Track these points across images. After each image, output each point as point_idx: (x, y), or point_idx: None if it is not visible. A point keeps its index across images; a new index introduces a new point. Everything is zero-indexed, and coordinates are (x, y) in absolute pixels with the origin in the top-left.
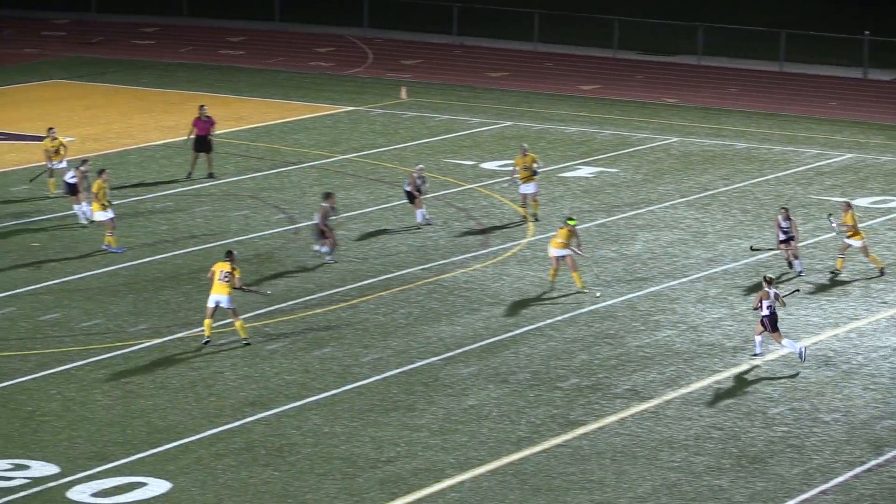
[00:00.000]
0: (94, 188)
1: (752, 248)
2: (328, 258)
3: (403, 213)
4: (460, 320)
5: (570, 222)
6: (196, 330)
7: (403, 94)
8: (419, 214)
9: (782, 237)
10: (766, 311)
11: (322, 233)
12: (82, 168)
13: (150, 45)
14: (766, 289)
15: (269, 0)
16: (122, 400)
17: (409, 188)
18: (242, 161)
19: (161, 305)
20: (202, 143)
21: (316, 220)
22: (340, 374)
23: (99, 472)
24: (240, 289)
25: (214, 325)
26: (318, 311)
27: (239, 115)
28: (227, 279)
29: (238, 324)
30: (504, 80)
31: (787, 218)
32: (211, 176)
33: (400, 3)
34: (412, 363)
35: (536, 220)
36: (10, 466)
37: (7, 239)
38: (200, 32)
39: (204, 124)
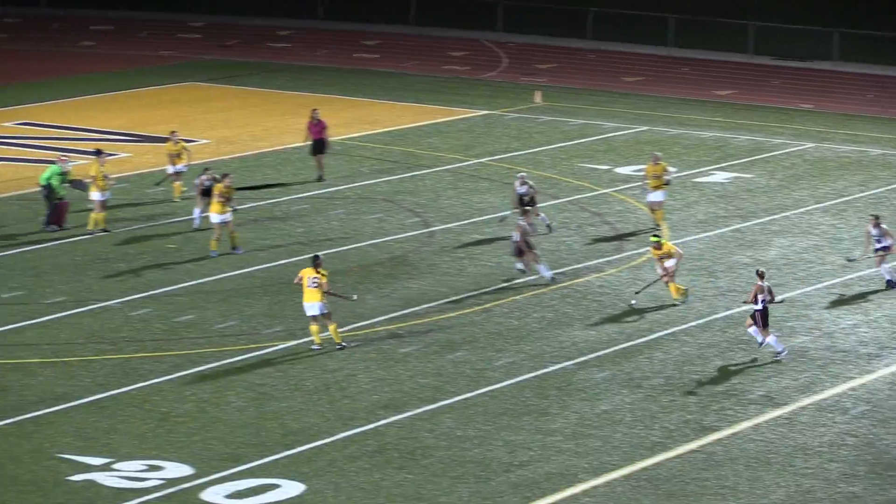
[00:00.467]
0: (216, 190)
1: (848, 260)
2: (546, 274)
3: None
4: (594, 325)
5: (653, 239)
6: (329, 333)
7: (538, 98)
8: (542, 219)
9: (877, 246)
10: (759, 306)
11: (520, 251)
12: (204, 177)
13: (285, 48)
14: (760, 283)
15: (405, 4)
16: (255, 401)
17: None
18: (377, 164)
19: (295, 308)
20: (317, 146)
21: (515, 238)
22: (474, 377)
23: (233, 473)
24: (328, 293)
25: (342, 329)
26: (452, 314)
27: (373, 119)
28: (315, 285)
29: (332, 327)
30: (639, 84)
31: (878, 226)
32: (320, 179)
33: (535, 7)
34: (545, 367)
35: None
36: (144, 467)
37: (143, 241)
38: (336, 36)
39: (317, 128)
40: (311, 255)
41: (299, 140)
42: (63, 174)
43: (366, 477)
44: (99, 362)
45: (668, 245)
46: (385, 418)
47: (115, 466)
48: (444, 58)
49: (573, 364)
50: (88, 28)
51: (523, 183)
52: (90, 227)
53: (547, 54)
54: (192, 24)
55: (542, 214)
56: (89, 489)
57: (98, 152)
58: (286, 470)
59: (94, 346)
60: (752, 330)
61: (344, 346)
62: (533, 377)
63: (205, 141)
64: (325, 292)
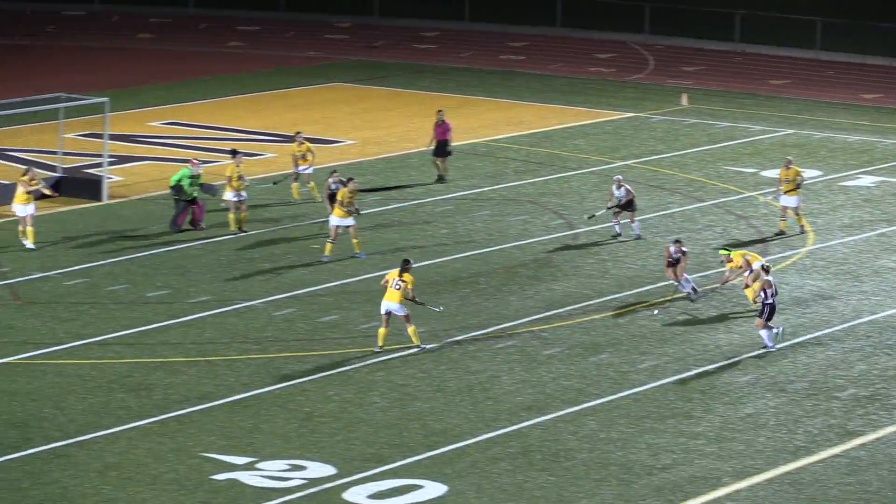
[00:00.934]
0: (339, 196)
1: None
2: (686, 288)
3: (683, 221)
4: (738, 328)
5: (722, 252)
6: (474, 333)
7: (684, 100)
8: (636, 227)
9: None
10: (770, 300)
11: (670, 263)
12: (330, 180)
13: (430, 49)
14: (766, 277)
15: (551, 6)
16: (399, 402)
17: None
18: (522, 165)
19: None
20: (440, 148)
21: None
22: (617, 380)
23: (375, 473)
24: (412, 300)
25: (486, 331)
26: (596, 316)
27: (519, 120)
28: (398, 288)
29: (411, 330)
30: (785, 87)
31: None
32: (441, 179)
33: (682, 9)
34: (689, 370)
35: (782, 234)
36: (287, 467)
37: (288, 241)
38: (481, 37)
39: (441, 129)
40: (403, 259)
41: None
42: (193, 177)
43: (508, 479)
44: (243, 362)
45: (738, 257)
46: (528, 420)
47: (258, 466)
48: (590, 60)
49: (716, 367)
50: (235, 28)
51: (620, 185)
52: (232, 227)
53: (693, 57)
54: (338, 25)
55: (637, 222)
56: (232, 488)
57: (234, 152)
58: (428, 471)
59: (239, 345)
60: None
61: (424, 349)
62: (676, 380)
63: (350, 141)
64: (409, 298)
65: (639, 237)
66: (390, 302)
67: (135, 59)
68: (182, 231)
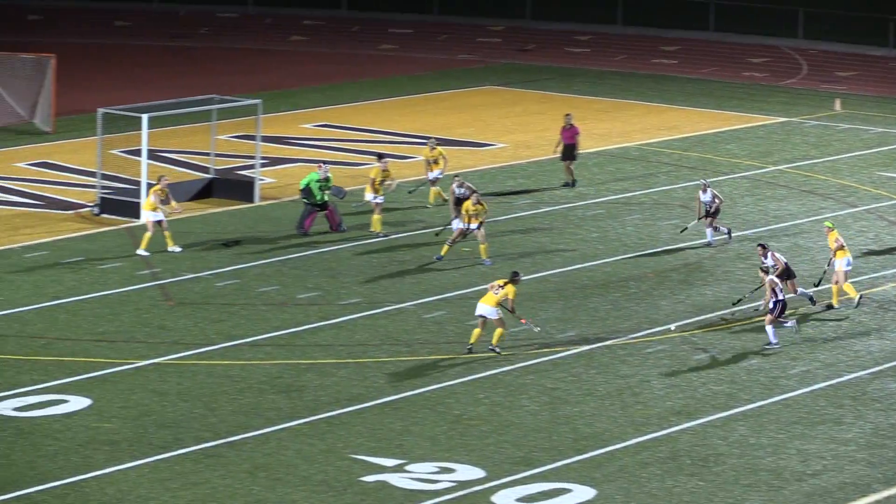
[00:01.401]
0: (464, 208)
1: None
2: (807, 292)
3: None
4: (890, 334)
5: (826, 224)
6: (625, 338)
7: (838, 105)
8: (708, 233)
9: None
10: (781, 296)
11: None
12: (454, 185)
13: (583, 53)
14: (771, 277)
15: (704, 10)
16: (548, 406)
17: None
18: (674, 170)
19: (589, 313)
20: (567, 152)
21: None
22: (767, 385)
23: (524, 477)
24: (511, 311)
25: (638, 335)
26: (746, 321)
27: (672, 124)
28: (497, 292)
29: (498, 331)
30: None
31: None
32: (566, 185)
33: (836, 14)
34: (840, 376)
35: None
36: (436, 469)
37: (439, 244)
38: (634, 41)
39: (569, 133)
40: (512, 272)
41: (596, 145)
42: (321, 181)
43: (657, 483)
44: (393, 364)
45: (834, 235)
46: (677, 425)
47: (407, 468)
48: (743, 64)
49: (868, 374)
50: (388, 31)
51: (704, 189)
52: (377, 228)
53: (847, 62)
54: (491, 28)
55: (723, 227)
56: (381, 490)
57: (380, 156)
58: (577, 475)
59: (389, 347)
60: (770, 328)
61: (497, 353)
62: (827, 386)
63: (501, 145)
64: (509, 309)
65: (710, 244)
66: (485, 305)
67: (288, 62)
68: (307, 235)
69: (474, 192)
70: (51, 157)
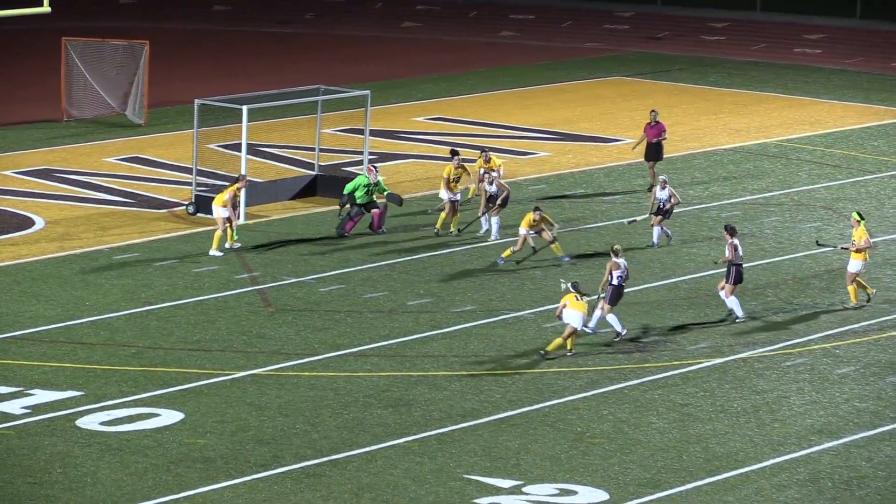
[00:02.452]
0: (524, 222)
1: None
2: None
3: None
4: None
5: (854, 215)
6: (761, 350)
7: None
8: (655, 233)
9: None
10: (615, 282)
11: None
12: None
13: (719, 41)
14: (615, 259)
15: None
16: (678, 423)
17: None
18: (816, 168)
19: (723, 322)
20: (652, 151)
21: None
22: None
23: (651, 500)
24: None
25: (767, 348)
26: (894, 333)
27: (814, 119)
28: (579, 300)
29: (560, 341)
30: None
31: None
32: (651, 189)
33: None
34: None
35: None
36: (555, 491)
37: (562, 246)
38: (774, 28)
39: (654, 130)
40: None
41: (731, 141)
42: (370, 185)
43: None
44: (510, 377)
45: (862, 231)
46: (818, 444)
47: (524, 490)
48: (892, 54)
49: None
50: (508, 17)
51: (663, 185)
52: (443, 227)
53: None
54: (619, 15)
55: (661, 227)
56: None
57: (453, 153)
58: (709, 498)
59: (506, 359)
60: (611, 317)
61: (573, 353)
62: None
63: (629, 140)
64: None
65: (653, 245)
66: (574, 310)
67: (399, 50)
68: (344, 237)
69: (538, 209)
70: (143, 152)
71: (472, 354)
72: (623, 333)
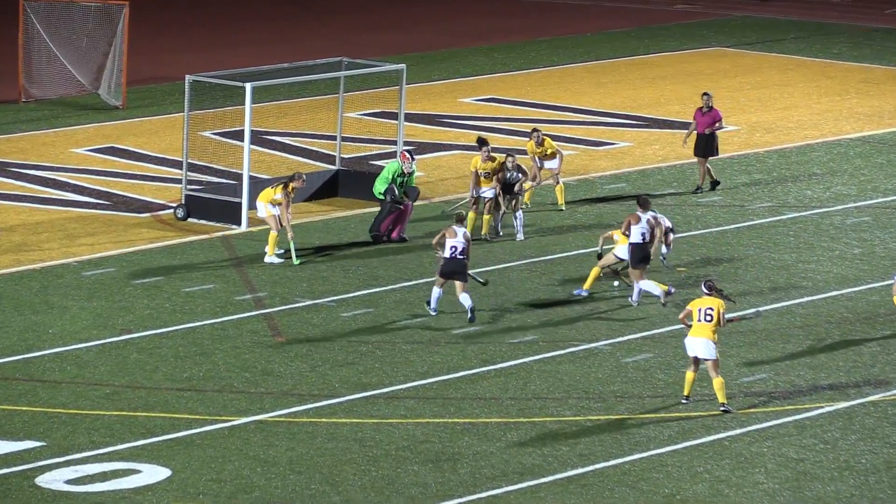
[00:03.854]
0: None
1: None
2: None
3: None
4: None
5: None
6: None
7: None
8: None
9: None
10: (637, 238)
11: None
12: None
13: (844, 4)
14: (640, 212)
15: None
16: (792, 484)
17: None
18: None
19: (849, 357)
20: (703, 144)
21: None
22: None
23: None
24: (729, 322)
25: (886, 395)
26: None
27: None
28: (709, 318)
29: (717, 382)
30: None
31: None
32: (698, 189)
33: None
34: None
35: None
36: None
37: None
38: None
39: (706, 118)
40: (705, 278)
41: (860, 128)
42: (403, 176)
43: None
44: (580, 424)
45: None
46: None
47: None
48: None
49: None
50: None
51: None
52: (485, 231)
53: None
54: None
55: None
56: None
57: (481, 142)
58: None
59: (575, 402)
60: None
61: (729, 410)
62: None
63: (732, 128)
64: (723, 325)
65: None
66: (699, 338)
67: (442, 13)
68: (384, 241)
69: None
70: (120, 141)
71: (532, 396)
72: (670, 293)
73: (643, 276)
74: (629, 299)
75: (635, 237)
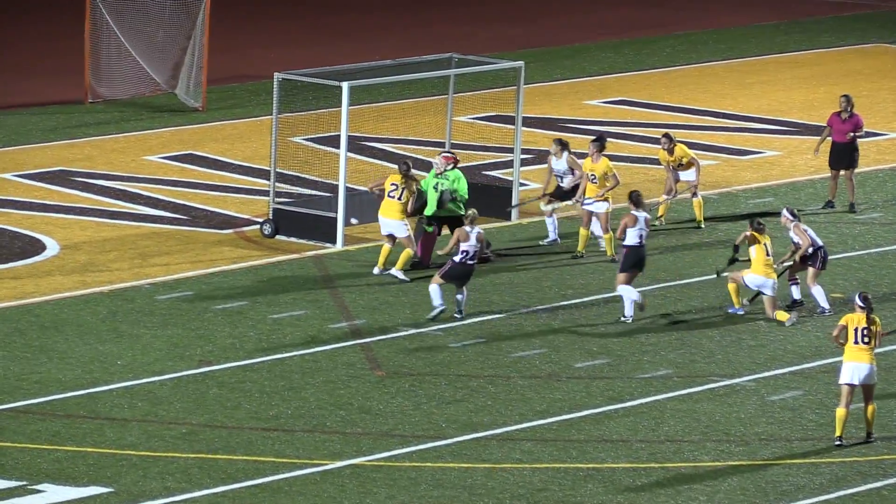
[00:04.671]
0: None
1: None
2: None
3: None
4: None
5: None
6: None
7: None
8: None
9: None
10: (635, 240)
11: None
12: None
13: None
14: (635, 211)
15: None
16: None
17: None
18: None
19: None
20: (839, 154)
21: None
22: None
23: None
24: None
25: None
26: None
27: None
28: (866, 340)
29: (870, 410)
30: None
31: None
32: (828, 204)
33: None
34: None
35: None
36: None
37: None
38: None
39: (845, 125)
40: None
41: None
42: (437, 182)
43: None
44: (720, 470)
45: None
46: None
47: None
48: None
49: None
50: None
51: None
52: (581, 248)
53: None
54: None
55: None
56: None
57: (560, 143)
58: None
59: (714, 445)
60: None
61: (874, 439)
62: None
63: (893, 135)
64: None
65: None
66: (859, 364)
67: (567, 3)
68: (425, 266)
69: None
70: (199, 147)
71: (665, 438)
72: (642, 307)
73: (628, 281)
74: (622, 318)
75: (631, 240)
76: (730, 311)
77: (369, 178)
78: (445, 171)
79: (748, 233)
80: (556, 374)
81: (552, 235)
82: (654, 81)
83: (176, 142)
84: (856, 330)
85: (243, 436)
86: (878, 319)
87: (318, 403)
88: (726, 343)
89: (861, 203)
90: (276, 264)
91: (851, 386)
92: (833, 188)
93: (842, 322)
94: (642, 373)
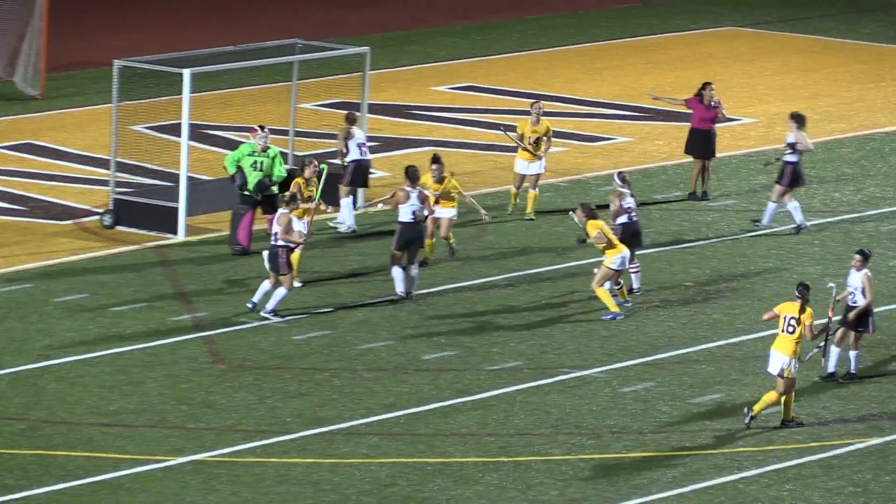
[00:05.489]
0: None
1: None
2: None
3: None
4: None
5: None
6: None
7: None
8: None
9: None
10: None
11: None
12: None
13: None
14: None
15: None
16: None
17: None
18: None
19: (882, 387)
20: (702, 142)
21: None
22: None
23: None
24: (815, 337)
25: None
26: None
27: None
28: (792, 330)
29: (788, 399)
30: None
31: None
32: (692, 195)
33: None
34: None
35: None
36: None
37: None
38: None
39: (707, 113)
40: (799, 283)
41: None
42: (255, 154)
43: None
44: (571, 464)
45: None
46: None
47: None
48: None
49: None
50: None
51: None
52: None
53: None
54: None
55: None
56: None
57: (434, 159)
58: None
59: (565, 439)
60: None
61: (801, 424)
62: None
63: (747, 120)
64: (810, 339)
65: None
66: (780, 353)
67: None
68: (246, 253)
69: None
70: (38, 137)
71: (515, 432)
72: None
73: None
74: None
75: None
76: (605, 318)
77: (211, 167)
78: (267, 146)
79: (579, 212)
80: (403, 366)
81: (349, 222)
82: (503, 67)
83: (14, 131)
84: (785, 318)
85: (83, 431)
86: (810, 310)
87: (160, 398)
88: (577, 334)
89: (714, 190)
90: (117, 255)
91: (774, 374)
92: (695, 178)
93: (776, 309)
94: (491, 365)
